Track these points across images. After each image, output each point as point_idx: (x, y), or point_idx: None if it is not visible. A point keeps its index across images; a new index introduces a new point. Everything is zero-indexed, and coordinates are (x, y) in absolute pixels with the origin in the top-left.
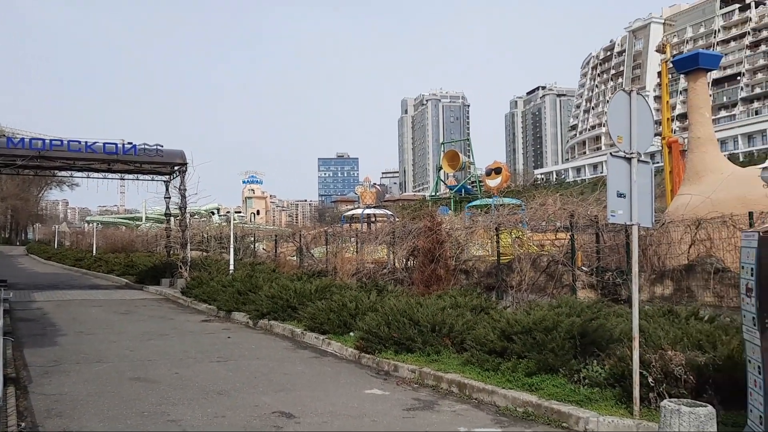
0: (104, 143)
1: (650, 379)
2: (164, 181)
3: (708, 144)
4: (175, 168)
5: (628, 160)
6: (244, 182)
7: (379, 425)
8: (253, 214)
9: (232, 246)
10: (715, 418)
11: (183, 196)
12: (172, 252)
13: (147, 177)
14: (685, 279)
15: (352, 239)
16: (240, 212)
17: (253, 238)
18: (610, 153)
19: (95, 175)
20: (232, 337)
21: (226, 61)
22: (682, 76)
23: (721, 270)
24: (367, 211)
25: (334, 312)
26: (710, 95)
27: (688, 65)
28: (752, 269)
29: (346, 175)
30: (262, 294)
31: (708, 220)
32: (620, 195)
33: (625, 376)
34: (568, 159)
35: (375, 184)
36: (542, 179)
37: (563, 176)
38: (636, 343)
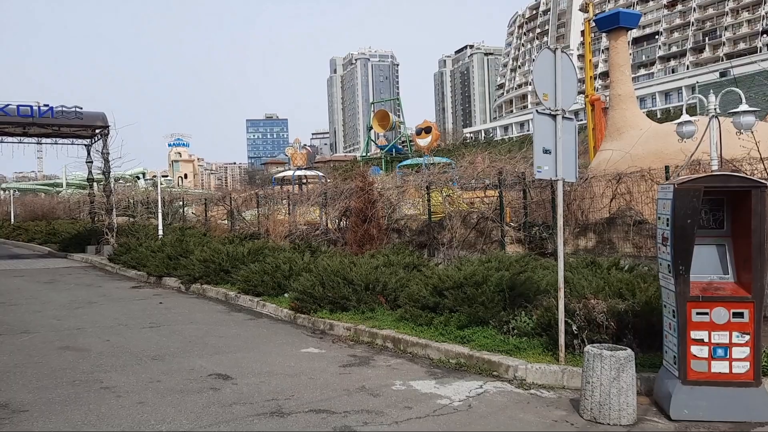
0: (18, 105)
1: (574, 327)
2: (85, 145)
3: (628, 101)
4: (97, 131)
5: (554, 117)
6: (170, 145)
7: (315, 382)
8: (180, 178)
9: (160, 211)
10: (633, 360)
11: (106, 161)
12: (96, 218)
13: (66, 141)
14: (606, 231)
15: (284, 201)
16: (167, 176)
17: (181, 203)
18: (536, 110)
19: (9, 139)
20: (164, 303)
21: (150, 21)
22: (603, 35)
23: (640, 222)
24: (298, 172)
25: (268, 274)
26: (630, 54)
27: (610, 24)
28: (668, 219)
29: (275, 136)
30: (194, 258)
31: (627, 174)
32: (546, 151)
33: (551, 325)
34: (496, 117)
35: (305, 145)
36: (471, 138)
37: (491, 135)
38: (561, 294)
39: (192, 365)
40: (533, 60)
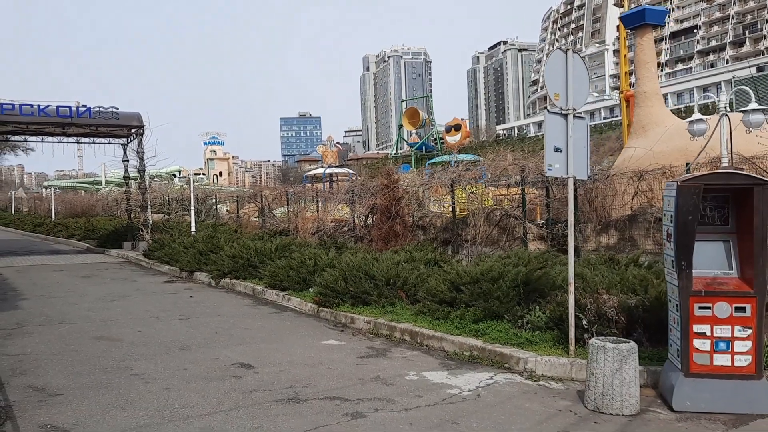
0: (57, 106)
1: (585, 321)
2: (122, 144)
3: (653, 98)
4: (132, 130)
5: (565, 116)
6: (205, 143)
7: (333, 372)
8: (215, 176)
9: (192, 208)
10: (636, 352)
11: (141, 159)
12: (133, 215)
13: (103, 140)
14: (628, 228)
15: (313, 199)
16: (201, 174)
17: (214, 200)
18: (547, 109)
19: (50, 139)
20: (194, 296)
21: (186, 22)
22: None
23: (661, 219)
24: (329, 170)
25: (293, 269)
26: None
27: (635, 21)
28: (672, 216)
29: (308, 134)
30: (224, 254)
31: (649, 171)
32: (557, 149)
33: (563, 320)
34: (529, 114)
35: (337, 143)
36: (504, 134)
37: (525, 131)
38: (572, 288)
39: (217, 355)
40: (545, 59)
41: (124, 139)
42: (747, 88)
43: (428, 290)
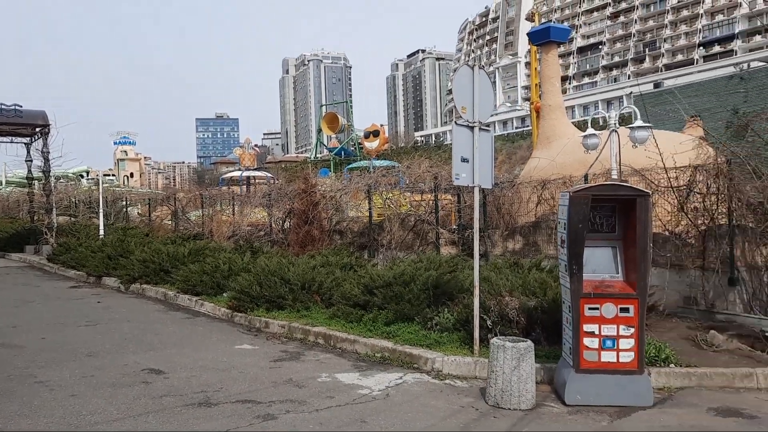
0: None
1: (489, 322)
2: (25, 144)
3: (557, 111)
4: (37, 129)
5: (471, 128)
6: (115, 143)
7: (245, 376)
8: (126, 177)
9: (101, 210)
10: (533, 351)
11: (46, 159)
12: (36, 217)
13: (5, 139)
14: (532, 234)
15: (230, 202)
16: (111, 175)
17: (125, 202)
18: (455, 122)
19: None
20: (103, 302)
21: (94, 18)
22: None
23: None
24: (246, 173)
25: (207, 274)
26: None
27: (541, 38)
28: (565, 224)
29: (225, 136)
30: (134, 258)
31: (552, 181)
32: (464, 160)
33: (469, 321)
34: (446, 122)
35: (255, 145)
36: (422, 141)
37: (442, 139)
38: (477, 291)
39: (126, 361)
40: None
41: (28, 138)
42: (633, 107)
43: (343, 294)
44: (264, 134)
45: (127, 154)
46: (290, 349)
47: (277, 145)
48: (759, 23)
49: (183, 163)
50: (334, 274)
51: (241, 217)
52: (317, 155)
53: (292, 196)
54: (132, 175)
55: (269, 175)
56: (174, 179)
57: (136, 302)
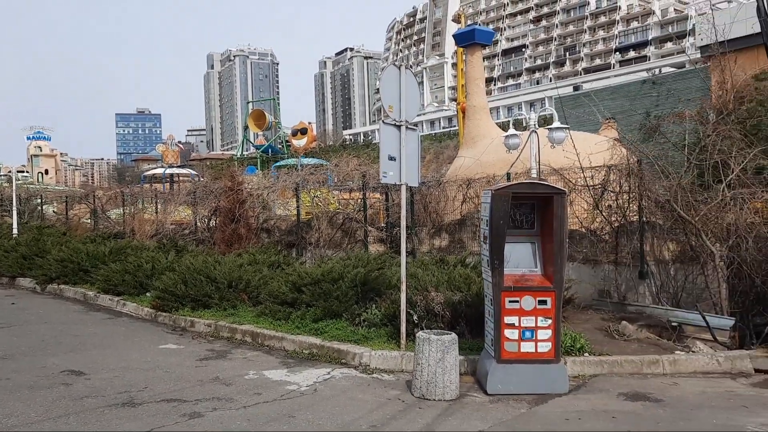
0: None
1: (415, 317)
2: None
3: (481, 112)
4: None
5: (398, 127)
6: (28, 138)
7: (171, 375)
8: (41, 174)
9: (15, 208)
10: (456, 343)
11: None
12: None
13: None
14: (458, 232)
15: (152, 200)
16: (24, 171)
17: (40, 200)
18: (382, 121)
19: None
20: (18, 303)
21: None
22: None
23: None
24: (169, 170)
25: (129, 273)
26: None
27: (466, 40)
28: (487, 220)
29: (148, 132)
30: (51, 258)
31: (476, 179)
32: (391, 158)
33: (396, 316)
34: (375, 120)
35: (179, 142)
36: (351, 139)
37: (370, 137)
38: (404, 287)
39: (44, 363)
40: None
41: None
42: (553, 109)
43: (270, 292)
44: (188, 131)
45: (41, 150)
46: (217, 348)
47: (201, 142)
48: (670, 30)
49: (102, 159)
50: (261, 273)
51: (165, 216)
52: (244, 153)
53: (218, 194)
54: (47, 171)
55: (193, 172)
56: (92, 176)
57: (53, 303)
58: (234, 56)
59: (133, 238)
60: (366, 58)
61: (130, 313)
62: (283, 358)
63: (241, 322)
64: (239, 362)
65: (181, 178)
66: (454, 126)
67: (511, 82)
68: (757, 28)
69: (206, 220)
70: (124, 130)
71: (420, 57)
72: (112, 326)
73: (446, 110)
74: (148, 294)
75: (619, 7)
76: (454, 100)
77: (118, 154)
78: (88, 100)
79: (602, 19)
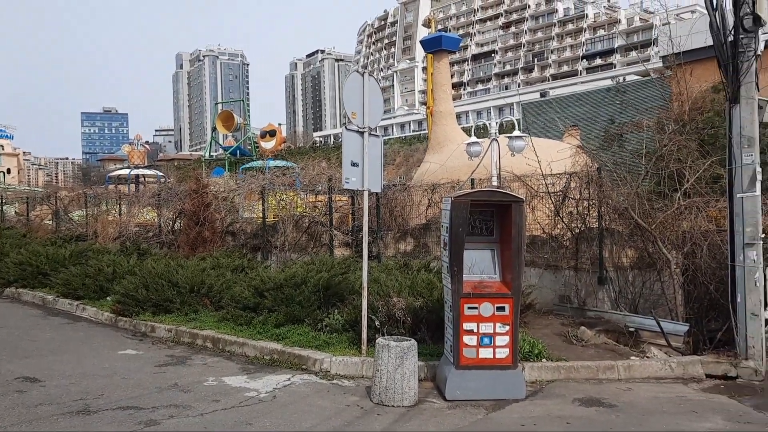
0: None
1: (377, 322)
2: None
3: (448, 117)
4: None
5: (361, 133)
6: None
7: (128, 382)
8: (2, 173)
9: None
10: (415, 349)
11: None
12: None
13: None
14: (423, 236)
15: (117, 201)
16: None
17: (0, 200)
18: (345, 127)
19: None
20: None
21: None
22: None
23: None
24: (135, 171)
25: (90, 277)
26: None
27: (433, 46)
28: (447, 227)
29: (114, 131)
30: (9, 261)
31: (441, 184)
32: (354, 164)
33: (358, 322)
34: (344, 123)
35: (146, 142)
36: (321, 142)
37: (341, 139)
38: (365, 293)
39: None
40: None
41: None
42: (518, 116)
43: (233, 297)
44: (156, 131)
45: (3, 149)
46: (177, 354)
47: (170, 142)
48: (635, 39)
49: (67, 159)
50: (224, 277)
51: (129, 218)
52: (212, 154)
53: (183, 197)
54: (9, 171)
55: (159, 173)
56: (57, 176)
57: (10, 307)
58: (203, 56)
59: (95, 241)
60: (337, 60)
61: (90, 317)
62: (243, 364)
63: (202, 327)
64: (199, 368)
65: (147, 179)
66: (424, 129)
67: (480, 86)
68: None
69: (171, 223)
70: (90, 129)
71: (391, 60)
72: (70, 331)
73: (416, 113)
74: (108, 298)
75: (586, 16)
76: (424, 103)
77: (83, 153)
78: (53, 98)
79: (570, 26)
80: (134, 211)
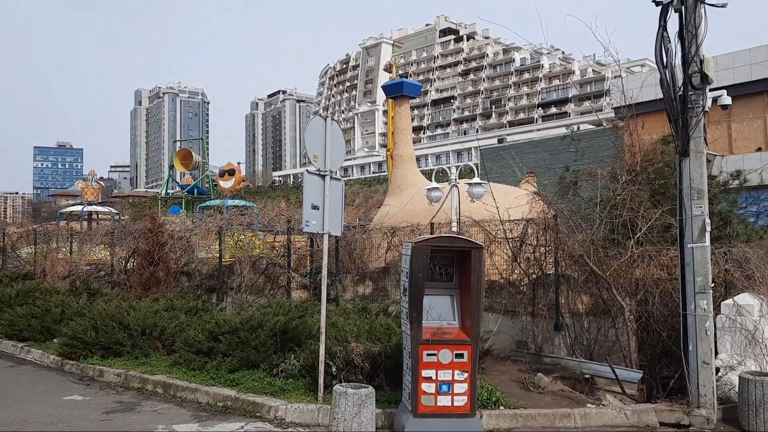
0: None
1: (334, 368)
2: None
3: (408, 162)
4: None
5: (323, 177)
6: None
7: (73, 429)
8: None
9: None
10: (374, 397)
11: None
12: None
13: None
14: (382, 279)
15: (68, 239)
16: None
17: None
18: (307, 170)
19: None
20: None
21: None
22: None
23: None
24: (88, 208)
25: (36, 318)
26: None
27: (395, 91)
28: (407, 273)
29: (68, 166)
30: None
31: (401, 228)
32: (314, 207)
33: (315, 367)
34: (305, 163)
35: (101, 178)
36: (280, 181)
37: (300, 179)
38: (323, 338)
39: None
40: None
41: None
42: (477, 162)
43: (186, 340)
44: (111, 167)
45: None
46: (126, 400)
47: (125, 178)
48: (588, 89)
49: (17, 194)
50: (178, 319)
51: (80, 256)
52: (168, 191)
53: (138, 235)
54: None
55: (114, 211)
56: (5, 211)
57: None
58: (163, 93)
59: (43, 280)
60: (299, 101)
61: (35, 360)
62: (195, 411)
63: (153, 371)
64: (148, 416)
65: (100, 217)
66: (384, 171)
67: (440, 131)
68: None
69: (124, 262)
70: (42, 164)
71: (352, 103)
72: (13, 375)
73: (377, 155)
74: (55, 340)
75: (542, 66)
76: (384, 146)
77: (34, 188)
78: (4, 131)
79: (526, 75)
80: (86, 249)
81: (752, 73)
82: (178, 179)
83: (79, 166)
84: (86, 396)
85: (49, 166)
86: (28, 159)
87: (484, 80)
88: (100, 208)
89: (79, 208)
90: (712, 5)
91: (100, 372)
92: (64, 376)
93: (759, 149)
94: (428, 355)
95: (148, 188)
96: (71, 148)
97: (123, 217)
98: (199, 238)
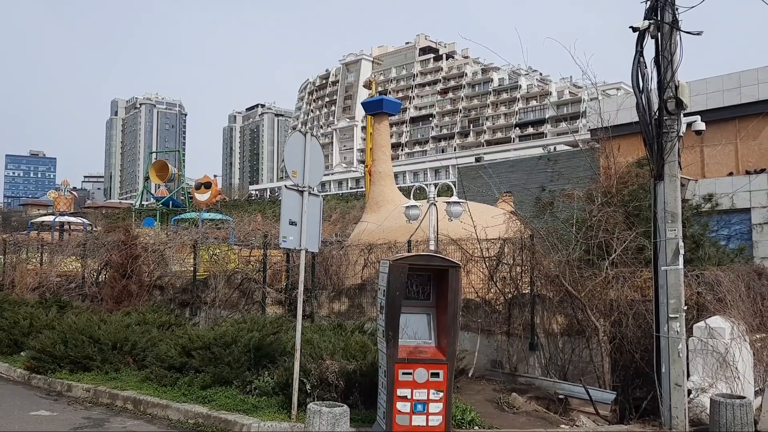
0: None
1: (308, 386)
2: None
3: (386, 178)
4: None
5: (301, 192)
6: None
7: None
8: None
9: None
10: (348, 415)
11: None
12: None
13: None
14: (358, 296)
15: (38, 249)
16: None
17: None
18: (285, 185)
19: None
20: None
21: None
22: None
23: None
24: (60, 218)
25: (3, 330)
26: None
27: (374, 108)
28: (384, 291)
29: (40, 176)
30: None
31: (378, 245)
32: (292, 223)
33: (289, 384)
34: (282, 177)
35: (75, 188)
36: (257, 195)
37: (277, 193)
38: (298, 355)
39: None
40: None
41: None
42: (455, 180)
43: (158, 355)
44: (85, 177)
45: None
46: (94, 416)
47: (99, 189)
48: (565, 111)
49: None
50: (150, 334)
51: (51, 267)
52: (143, 203)
53: (111, 247)
54: None
55: (86, 222)
56: None
57: None
58: (140, 104)
59: (12, 291)
60: (277, 115)
61: (1, 374)
62: (166, 428)
63: (123, 387)
64: None
65: (72, 227)
66: (362, 187)
67: (418, 148)
68: None
69: (95, 274)
70: (14, 173)
71: (331, 118)
72: None
73: (354, 171)
74: (22, 354)
75: (520, 87)
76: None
77: (5, 197)
78: None
79: (504, 95)
80: (57, 260)
81: (724, 99)
82: (153, 191)
83: (51, 176)
84: (54, 411)
85: (21, 174)
86: (0, 168)
87: (462, 99)
88: (72, 219)
89: (50, 218)
90: (688, 33)
91: (68, 387)
92: (31, 391)
93: (730, 174)
94: (404, 374)
95: (122, 199)
96: (44, 157)
97: (96, 229)
98: (174, 252)
